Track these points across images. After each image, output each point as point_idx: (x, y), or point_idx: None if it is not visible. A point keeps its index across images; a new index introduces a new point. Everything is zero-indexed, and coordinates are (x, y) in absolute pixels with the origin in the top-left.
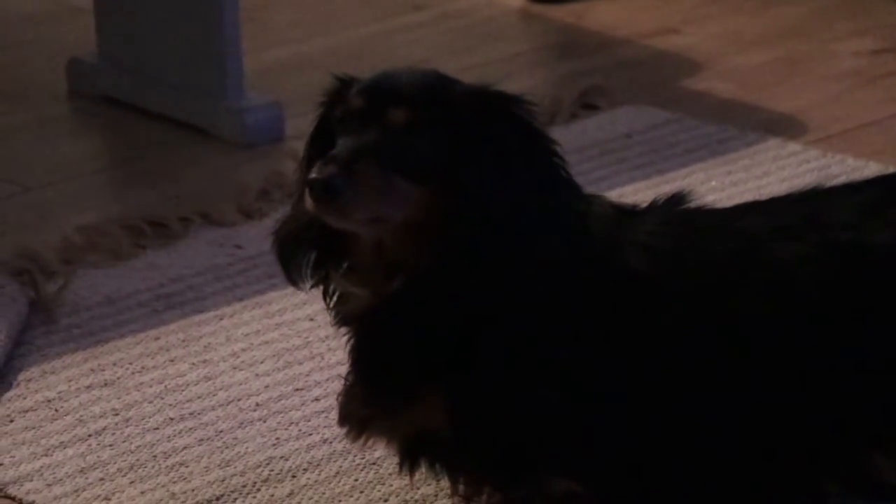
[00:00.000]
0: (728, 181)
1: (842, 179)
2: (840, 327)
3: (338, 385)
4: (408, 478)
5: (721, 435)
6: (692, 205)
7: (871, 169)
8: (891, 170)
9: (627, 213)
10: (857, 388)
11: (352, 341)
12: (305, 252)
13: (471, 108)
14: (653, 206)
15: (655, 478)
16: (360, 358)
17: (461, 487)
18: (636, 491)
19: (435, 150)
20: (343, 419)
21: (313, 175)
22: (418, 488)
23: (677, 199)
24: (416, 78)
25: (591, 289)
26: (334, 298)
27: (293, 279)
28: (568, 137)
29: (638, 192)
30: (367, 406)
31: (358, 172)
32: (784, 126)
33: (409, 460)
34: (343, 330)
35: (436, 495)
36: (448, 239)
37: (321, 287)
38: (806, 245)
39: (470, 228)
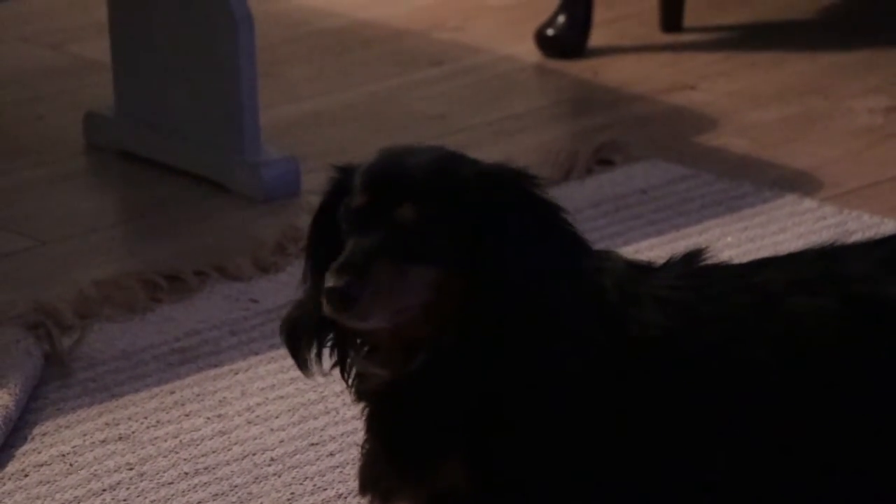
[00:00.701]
0: (744, 237)
1: (858, 236)
2: (859, 381)
3: (353, 440)
4: None
5: (743, 492)
6: (709, 261)
7: (887, 226)
8: None
9: (643, 269)
10: (878, 443)
11: (369, 411)
12: (318, 338)
13: (481, 191)
14: (669, 262)
15: None
16: (380, 430)
17: None
18: None
19: (448, 238)
20: (364, 489)
21: (329, 283)
22: None
23: (693, 255)
24: (420, 163)
25: (608, 347)
26: (352, 376)
27: (303, 366)
28: (583, 193)
29: (653, 248)
30: (389, 478)
31: (373, 276)
32: (800, 182)
33: None
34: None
35: None
36: (469, 318)
37: (339, 367)
38: (824, 299)
39: (492, 308)
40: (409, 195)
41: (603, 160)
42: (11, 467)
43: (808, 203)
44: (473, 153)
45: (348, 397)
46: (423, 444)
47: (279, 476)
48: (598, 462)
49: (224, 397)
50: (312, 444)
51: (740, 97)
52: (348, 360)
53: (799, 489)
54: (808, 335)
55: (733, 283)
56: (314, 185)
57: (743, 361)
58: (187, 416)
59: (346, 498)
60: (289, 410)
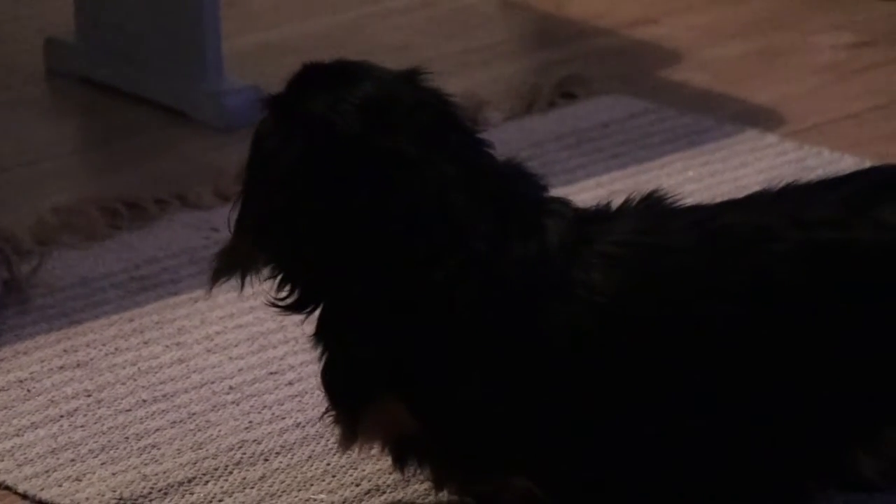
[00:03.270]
0: (705, 172)
1: (818, 172)
2: (824, 327)
3: (312, 369)
4: (398, 472)
5: (695, 437)
6: (666, 204)
7: (847, 161)
8: (867, 163)
9: (595, 221)
10: (842, 387)
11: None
12: None
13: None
14: (625, 209)
15: (624, 480)
16: (322, 381)
17: (444, 479)
18: (601, 494)
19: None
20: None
21: None
22: (390, 473)
23: (651, 201)
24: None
25: (544, 302)
26: None
27: None
28: (545, 126)
29: (615, 182)
30: (344, 427)
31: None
32: (761, 118)
33: (399, 460)
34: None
35: (407, 480)
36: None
37: None
38: (789, 245)
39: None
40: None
41: (565, 94)
42: None
43: (770, 138)
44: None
45: (308, 327)
46: (352, 389)
47: (237, 404)
48: (521, 404)
49: (183, 325)
50: (271, 373)
51: (704, 32)
52: None
53: (760, 435)
54: (775, 288)
55: (692, 234)
56: None
57: (706, 320)
58: (146, 343)
59: (304, 427)
60: (248, 339)
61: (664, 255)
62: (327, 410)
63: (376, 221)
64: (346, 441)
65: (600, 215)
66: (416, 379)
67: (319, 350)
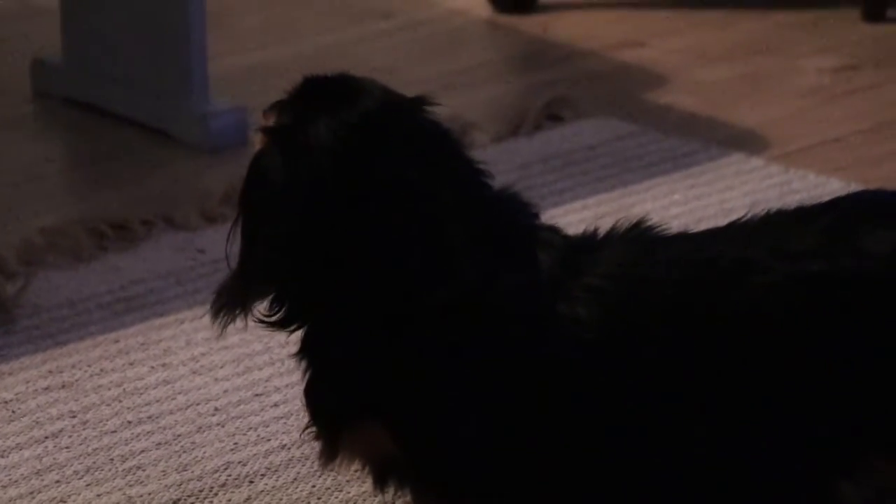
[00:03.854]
0: (691, 195)
1: (803, 195)
2: (809, 357)
3: (297, 391)
4: (378, 493)
5: (680, 468)
6: (651, 234)
7: (832, 185)
8: (852, 187)
9: (583, 252)
10: (826, 417)
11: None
12: None
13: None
14: (612, 238)
15: None
16: (307, 401)
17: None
18: None
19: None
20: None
21: None
22: (375, 496)
23: (638, 232)
24: None
25: (529, 337)
26: None
27: None
28: (532, 148)
29: (601, 204)
30: (326, 446)
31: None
32: (747, 141)
33: (379, 481)
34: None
35: (393, 502)
36: None
37: None
38: (774, 276)
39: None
40: None
41: (552, 116)
42: None
43: (755, 162)
44: None
45: (293, 348)
46: (334, 409)
47: (223, 426)
48: (502, 436)
49: (168, 347)
50: (257, 395)
51: (690, 55)
52: None
53: (746, 463)
54: (760, 319)
55: (678, 267)
56: None
57: (692, 353)
58: (131, 364)
59: (289, 448)
60: (233, 361)
61: (650, 288)
62: (308, 426)
63: (371, 247)
64: (327, 459)
65: (588, 245)
66: (398, 405)
67: (303, 367)
